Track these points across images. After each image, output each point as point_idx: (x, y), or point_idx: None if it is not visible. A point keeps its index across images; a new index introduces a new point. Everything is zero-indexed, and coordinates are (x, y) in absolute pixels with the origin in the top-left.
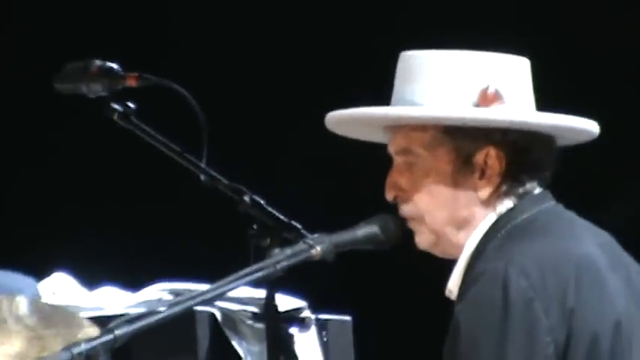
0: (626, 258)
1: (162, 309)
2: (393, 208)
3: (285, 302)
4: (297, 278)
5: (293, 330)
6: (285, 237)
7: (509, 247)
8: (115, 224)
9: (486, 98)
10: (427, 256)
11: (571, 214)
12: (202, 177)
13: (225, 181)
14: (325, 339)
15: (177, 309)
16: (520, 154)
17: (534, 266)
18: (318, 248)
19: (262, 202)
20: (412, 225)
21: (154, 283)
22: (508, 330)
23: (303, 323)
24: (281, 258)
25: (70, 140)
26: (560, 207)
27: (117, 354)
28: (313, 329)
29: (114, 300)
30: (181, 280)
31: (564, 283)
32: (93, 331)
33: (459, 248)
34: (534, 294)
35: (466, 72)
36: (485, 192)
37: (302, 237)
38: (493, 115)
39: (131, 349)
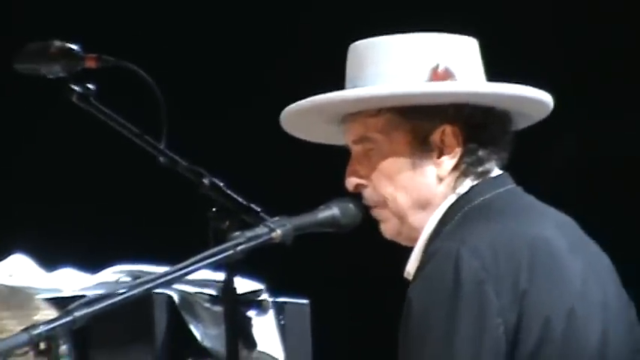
0: (586, 239)
1: (121, 291)
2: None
3: (243, 285)
4: (256, 261)
5: (251, 313)
6: (245, 220)
7: (464, 228)
8: (73, 206)
9: (438, 76)
10: (386, 239)
11: (530, 198)
12: (161, 159)
13: (184, 163)
14: (282, 322)
15: (136, 291)
16: (476, 129)
17: (487, 247)
18: (279, 231)
19: (222, 184)
20: (376, 213)
21: (112, 265)
22: (458, 310)
23: (260, 306)
24: (241, 241)
25: (30, 122)
26: (519, 190)
27: (75, 336)
28: (271, 312)
29: (72, 282)
30: (140, 263)
31: (517, 264)
32: (50, 312)
33: (417, 231)
34: (486, 275)
35: (415, 53)
36: (444, 170)
37: (261, 220)
38: (445, 88)
39: (89, 331)
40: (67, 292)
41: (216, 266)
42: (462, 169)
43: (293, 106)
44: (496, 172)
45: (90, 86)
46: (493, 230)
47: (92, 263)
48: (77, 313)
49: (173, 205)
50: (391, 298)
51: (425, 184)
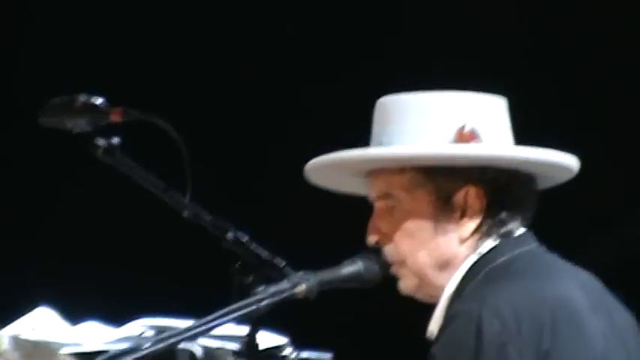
0: (609, 298)
1: (145, 345)
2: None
3: (266, 339)
4: (280, 315)
5: None
6: (269, 274)
7: (485, 289)
8: (99, 259)
9: (463, 137)
10: (411, 298)
11: (552, 256)
12: (186, 213)
13: (209, 217)
14: None
15: (159, 346)
16: (499, 192)
17: (509, 309)
18: (303, 286)
19: (246, 238)
20: (395, 269)
21: (136, 319)
22: None
23: None
24: (265, 296)
25: (56, 179)
26: (542, 249)
27: None
28: None
29: (94, 335)
30: (164, 317)
31: (539, 326)
32: None
33: (438, 290)
34: (508, 338)
35: (442, 112)
36: (466, 231)
37: (285, 275)
38: (469, 151)
39: None
40: (90, 347)
41: (239, 321)
42: (484, 231)
43: (317, 159)
44: (519, 231)
45: (114, 141)
46: (514, 291)
47: (116, 317)
48: None
49: (198, 260)
50: (414, 354)
51: (446, 244)
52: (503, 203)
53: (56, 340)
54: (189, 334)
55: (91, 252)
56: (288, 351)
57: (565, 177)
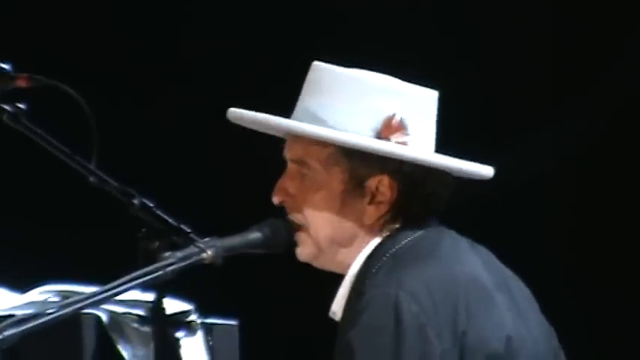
0: (507, 272)
1: (49, 311)
2: (282, 213)
3: (171, 306)
4: (185, 281)
5: (179, 334)
6: (175, 240)
7: (398, 272)
8: (2, 224)
9: (390, 127)
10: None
11: (454, 235)
12: (91, 178)
13: (114, 183)
14: (211, 343)
15: (64, 311)
16: (414, 186)
17: (424, 291)
18: (209, 252)
19: (152, 205)
20: (297, 234)
21: (41, 285)
22: (402, 356)
23: (189, 327)
24: (171, 261)
25: None
26: (443, 228)
27: (2, 356)
28: (199, 333)
29: (0, 301)
30: (69, 283)
31: (454, 306)
32: None
33: (339, 266)
34: (426, 319)
35: (375, 96)
36: (371, 217)
37: (192, 240)
38: (389, 148)
39: (17, 352)
40: None
41: (145, 287)
42: (388, 218)
43: (242, 113)
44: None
45: (21, 106)
46: (427, 272)
47: (21, 283)
48: (5, 333)
49: (103, 226)
50: (319, 321)
51: (349, 223)
52: (415, 196)
53: None
54: (94, 299)
55: None
56: (193, 317)
57: (482, 178)
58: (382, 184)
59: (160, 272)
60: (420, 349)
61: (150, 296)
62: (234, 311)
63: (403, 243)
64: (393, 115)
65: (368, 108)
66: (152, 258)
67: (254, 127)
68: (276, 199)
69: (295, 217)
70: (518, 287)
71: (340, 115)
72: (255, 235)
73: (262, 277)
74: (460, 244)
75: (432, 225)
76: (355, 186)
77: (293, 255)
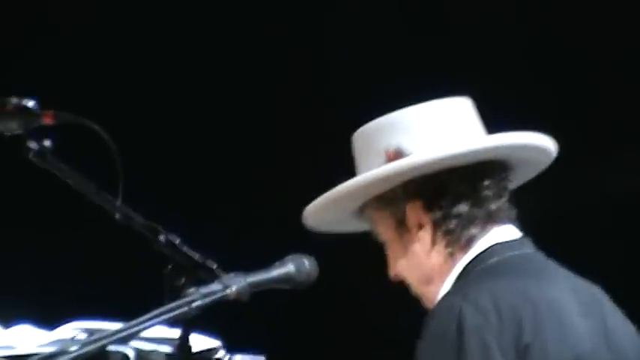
0: (608, 307)
1: (74, 348)
2: (307, 249)
3: (199, 342)
4: (212, 318)
5: None
6: (201, 276)
7: (468, 286)
8: (30, 262)
9: (389, 158)
10: (343, 298)
11: (547, 262)
12: (117, 215)
13: (141, 220)
14: None
15: (90, 348)
16: (433, 199)
17: (490, 303)
18: (234, 288)
19: (177, 241)
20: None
21: (68, 322)
22: None
23: None
24: (196, 297)
25: None
26: (539, 255)
27: None
28: None
29: (27, 339)
30: (96, 319)
31: (520, 319)
32: None
33: (434, 303)
34: (489, 331)
35: (375, 140)
36: (425, 244)
37: (217, 277)
38: (378, 173)
39: None
40: (21, 350)
41: (171, 323)
42: (442, 237)
43: (306, 213)
44: (510, 233)
45: (46, 143)
46: (497, 286)
47: (49, 320)
48: None
49: (130, 262)
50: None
51: (418, 262)
52: (441, 206)
53: None
54: (120, 335)
55: (20, 252)
56: (221, 354)
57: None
58: (414, 208)
59: (185, 308)
60: (482, 359)
61: (176, 333)
62: (261, 347)
63: (488, 263)
64: (388, 146)
65: (371, 153)
66: (178, 294)
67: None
68: (390, 275)
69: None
70: (618, 323)
71: (360, 170)
72: (279, 270)
73: (289, 312)
74: (549, 269)
75: (524, 249)
76: (401, 225)
77: (318, 290)
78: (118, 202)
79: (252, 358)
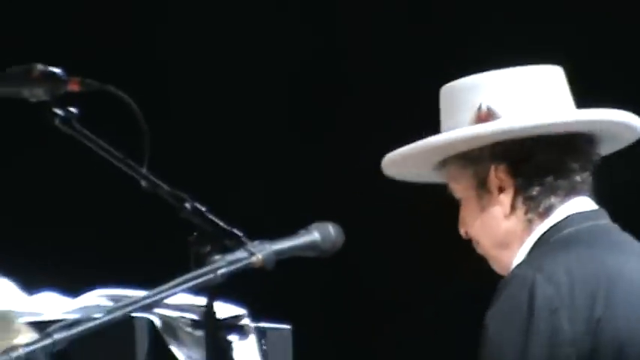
0: None
1: (100, 314)
2: (332, 216)
3: (224, 310)
4: (238, 286)
5: (232, 338)
6: (226, 244)
7: (542, 257)
8: (56, 229)
9: (480, 118)
10: (368, 267)
11: (623, 234)
12: (143, 183)
13: (166, 188)
14: (264, 347)
15: (115, 315)
16: (519, 163)
17: (564, 275)
18: (259, 255)
19: (203, 209)
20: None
21: (94, 289)
22: (530, 338)
23: (242, 331)
24: (221, 265)
25: (11, 144)
26: (614, 226)
27: (56, 359)
28: (252, 337)
29: (52, 305)
30: (121, 287)
31: (593, 292)
32: (31, 336)
33: (509, 267)
34: (560, 303)
35: (464, 97)
36: (506, 208)
37: (243, 244)
38: (468, 132)
39: (70, 355)
40: (47, 316)
41: (197, 291)
42: (523, 203)
43: (385, 161)
44: (586, 204)
45: (72, 110)
46: (571, 258)
47: (74, 287)
48: (57, 336)
49: (155, 230)
50: (373, 325)
51: (495, 224)
52: (527, 173)
53: (14, 309)
54: (145, 302)
55: (47, 220)
56: (246, 321)
57: (622, 135)
58: (497, 172)
59: (210, 276)
60: (550, 332)
61: (202, 300)
62: (287, 316)
63: (564, 232)
64: (479, 105)
65: (459, 110)
66: (203, 262)
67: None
68: (461, 232)
69: (472, 239)
70: None
71: (446, 126)
72: (304, 238)
73: (316, 281)
74: (626, 242)
75: (599, 220)
76: (482, 187)
77: (343, 258)
78: (144, 170)
79: (277, 326)
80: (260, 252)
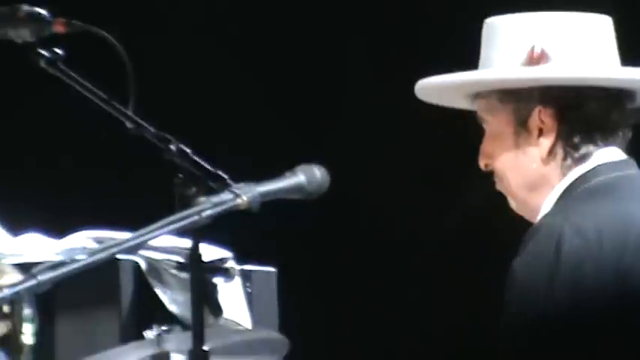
0: None
1: (85, 256)
2: (316, 160)
3: (210, 252)
4: (223, 229)
5: (217, 280)
6: (211, 186)
7: (571, 207)
8: (40, 171)
9: (532, 58)
10: (354, 209)
11: None
12: (128, 124)
13: (152, 129)
14: (249, 289)
15: (100, 256)
16: (567, 110)
17: (591, 227)
18: (244, 197)
19: (189, 150)
20: (500, 189)
21: (78, 231)
22: (555, 286)
23: (227, 273)
24: (206, 206)
25: None
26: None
27: (41, 301)
28: (237, 280)
29: (37, 247)
30: (106, 229)
31: (622, 245)
32: (16, 277)
33: (534, 210)
34: (587, 255)
35: (517, 35)
36: (543, 151)
37: (228, 186)
38: (524, 74)
39: (55, 296)
40: (32, 257)
41: (181, 233)
42: (562, 148)
43: (419, 85)
44: (616, 154)
45: (58, 51)
46: (601, 210)
47: (58, 229)
48: (41, 277)
49: (140, 171)
50: (357, 266)
51: (529, 165)
52: (573, 121)
53: None
54: (130, 244)
55: (31, 162)
56: (231, 264)
57: None
58: (542, 114)
59: (195, 217)
60: (574, 282)
61: (187, 243)
62: (272, 258)
63: (593, 182)
64: (533, 46)
65: (511, 47)
66: (188, 204)
67: (436, 101)
68: (481, 164)
69: (495, 175)
70: None
71: (491, 61)
72: (290, 180)
73: (300, 223)
74: None
75: (629, 170)
76: (521, 125)
77: (329, 200)
78: (130, 111)
79: (263, 269)
80: (245, 194)
